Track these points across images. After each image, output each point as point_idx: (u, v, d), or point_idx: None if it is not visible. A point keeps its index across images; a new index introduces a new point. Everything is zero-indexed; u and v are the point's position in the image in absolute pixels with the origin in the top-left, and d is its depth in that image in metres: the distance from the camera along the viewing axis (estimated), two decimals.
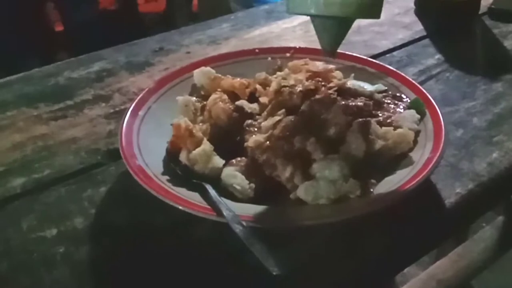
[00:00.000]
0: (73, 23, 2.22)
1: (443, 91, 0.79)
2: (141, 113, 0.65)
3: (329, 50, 0.57)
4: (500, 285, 1.59)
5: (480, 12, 1.00)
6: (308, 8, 0.53)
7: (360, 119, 0.58)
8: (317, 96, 0.61)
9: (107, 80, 0.83)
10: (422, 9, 1.02)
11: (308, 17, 0.58)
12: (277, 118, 0.60)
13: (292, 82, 0.64)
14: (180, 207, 0.52)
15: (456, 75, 0.83)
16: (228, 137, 0.62)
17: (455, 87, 0.80)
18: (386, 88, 0.69)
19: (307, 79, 0.66)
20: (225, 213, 0.50)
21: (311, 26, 0.92)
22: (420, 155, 0.58)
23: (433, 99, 0.66)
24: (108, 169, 0.65)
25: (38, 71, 0.86)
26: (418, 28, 0.97)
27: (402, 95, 0.68)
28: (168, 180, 0.57)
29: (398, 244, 0.55)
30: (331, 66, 0.68)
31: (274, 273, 0.43)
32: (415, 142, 0.61)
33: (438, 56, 0.88)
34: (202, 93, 0.70)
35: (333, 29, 0.55)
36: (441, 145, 0.58)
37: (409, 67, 0.85)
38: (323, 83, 0.65)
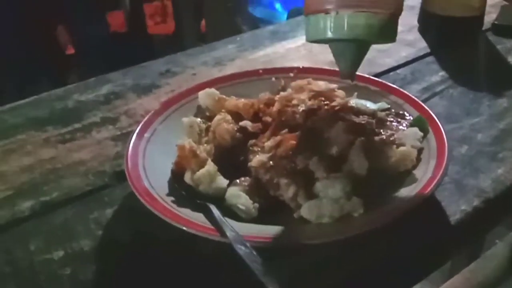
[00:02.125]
0: (84, 45, 2.26)
1: (447, 107, 0.79)
2: (147, 135, 0.66)
3: (348, 74, 0.57)
4: None
5: (483, 28, 1.01)
6: (329, 33, 0.54)
7: (362, 138, 0.58)
8: (319, 115, 0.61)
9: (115, 102, 0.84)
10: (425, 26, 1.02)
11: None
12: (279, 137, 0.61)
13: (295, 102, 0.65)
14: (185, 228, 0.52)
15: (460, 91, 0.83)
16: (232, 157, 0.63)
17: (459, 104, 0.80)
18: (389, 106, 0.70)
19: (309, 99, 0.66)
20: (228, 233, 0.50)
21: (314, 46, 0.94)
22: (424, 173, 0.58)
23: (437, 116, 0.66)
24: (115, 191, 0.66)
25: (47, 95, 0.87)
26: (421, 46, 0.97)
27: (405, 113, 0.68)
28: (172, 201, 0.57)
29: (402, 263, 0.55)
30: (334, 86, 0.69)
31: None
32: (419, 159, 0.61)
33: (442, 73, 0.88)
34: (207, 114, 0.71)
35: (352, 52, 0.56)
36: (445, 162, 0.58)
37: (413, 85, 0.85)
38: (326, 102, 0.65)
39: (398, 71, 0.90)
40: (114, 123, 0.79)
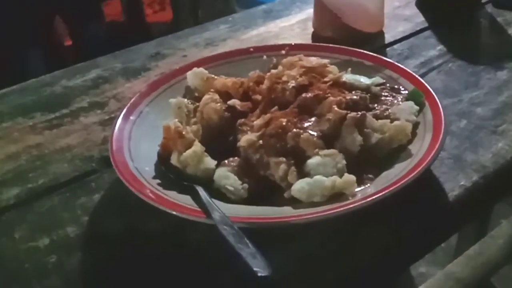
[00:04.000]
0: (81, 36, 2.24)
1: (445, 82, 0.76)
2: (132, 117, 0.64)
3: None
4: None
5: (483, 1, 0.98)
6: None
7: (355, 113, 0.56)
8: (310, 91, 0.59)
9: (103, 87, 0.82)
10: (423, 1, 0.99)
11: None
12: (269, 116, 0.58)
13: (285, 78, 0.63)
14: (169, 211, 0.50)
15: (458, 65, 0.80)
16: (220, 138, 0.61)
17: (457, 78, 0.77)
18: (384, 81, 0.67)
19: (301, 75, 0.64)
20: (214, 215, 0.48)
21: (309, 24, 0.91)
22: (419, 147, 0.56)
23: (435, 91, 0.64)
24: (102, 176, 0.64)
25: (35, 81, 0.85)
26: (419, 20, 0.94)
27: (400, 87, 0.65)
28: (159, 184, 0.55)
29: (401, 239, 0.53)
30: (326, 61, 0.66)
31: (259, 275, 0.41)
32: (414, 134, 0.58)
33: (440, 47, 0.85)
34: (196, 95, 0.69)
35: None
36: (441, 135, 0.55)
37: (410, 60, 0.82)
38: (317, 78, 0.63)
39: (395, 46, 0.87)
40: (102, 107, 0.77)
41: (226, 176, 0.55)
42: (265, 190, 0.56)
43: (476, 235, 1.55)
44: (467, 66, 0.80)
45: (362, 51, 0.73)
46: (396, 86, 0.66)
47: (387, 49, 0.86)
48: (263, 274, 0.41)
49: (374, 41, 0.88)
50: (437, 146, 0.54)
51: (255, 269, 0.42)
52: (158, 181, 0.56)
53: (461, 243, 1.61)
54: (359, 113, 0.56)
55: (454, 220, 0.58)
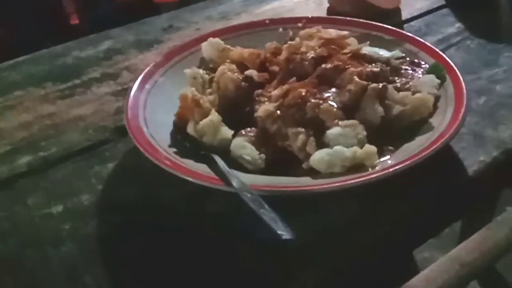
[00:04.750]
0: (89, 15, 2.22)
1: (464, 59, 0.75)
2: (147, 86, 0.63)
3: None
4: None
5: None
6: None
7: (375, 84, 0.55)
8: (330, 62, 0.58)
9: (116, 58, 0.81)
10: None
11: None
12: (287, 86, 0.57)
13: (303, 49, 0.61)
14: (188, 178, 0.49)
15: (477, 43, 0.79)
16: (237, 108, 0.60)
17: (476, 55, 0.76)
18: (403, 54, 0.66)
19: (319, 46, 0.63)
20: (234, 182, 0.48)
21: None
22: (441, 121, 0.55)
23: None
24: (116, 146, 0.63)
25: (47, 52, 0.84)
26: None
27: (420, 61, 0.64)
28: (175, 153, 0.55)
29: (418, 213, 0.53)
30: (345, 33, 0.65)
31: (284, 237, 0.41)
32: (435, 107, 0.57)
33: (458, 24, 0.84)
34: (211, 66, 0.68)
35: None
36: (463, 109, 0.54)
37: (428, 37, 0.81)
38: (336, 50, 0.62)
39: (412, 23, 0.85)
40: (115, 78, 0.76)
41: (243, 146, 0.54)
42: (282, 161, 0.55)
43: (481, 221, 1.54)
44: (486, 44, 0.79)
45: (381, 24, 0.71)
46: (416, 60, 0.65)
47: (404, 25, 0.85)
48: (287, 237, 0.41)
49: (391, 17, 0.86)
50: (459, 120, 0.53)
51: (278, 232, 0.41)
52: (174, 149, 0.55)
53: (465, 229, 1.61)
54: (381, 84, 0.55)
55: (473, 195, 0.57)
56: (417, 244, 0.55)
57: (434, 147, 0.50)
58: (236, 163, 0.54)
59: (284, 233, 0.41)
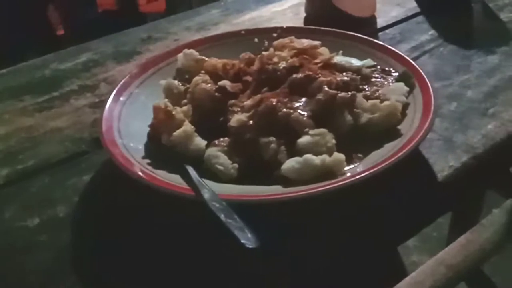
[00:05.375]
0: (74, 25, 2.22)
1: (437, 65, 0.77)
2: (122, 98, 0.64)
3: None
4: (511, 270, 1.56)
5: None
6: None
7: (344, 93, 0.56)
8: (301, 72, 0.59)
9: (94, 70, 0.81)
10: None
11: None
12: (260, 96, 0.58)
13: (276, 59, 0.63)
14: (159, 189, 0.50)
15: (450, 49, 0.81)
16: (211, 118, 0.61)
17: (449, 61, 0.77)
18: (375, 63, 0.67)
19: (292, 57, 0.64)
20: (204, 193, 0.48)
21: (301, 8, 0.91)
22: (409, 128, 0.56)
23: (426, 74, 0.64)
24: (93, 157, 0.64)
25: (25, 64, 0.85)
26: (411, 5, 0.94)
27: (391, 69, 0.65)
28: (149, 164, 0.55)
29: (389, 218, 0.53)
30: (317, 43, 0.66)
31: (248, 246, 0.41)
32: (404, 115, 0.58)
33: (431, 32, 0.86)
34: (187, 77, 0.68)
35: None
36: (431, 114, 0.55)
37: (402, 44, 0.82)
38: (308, 60, 0.63)
39: (387, 31, 0.87)
40: (93, 90, 0.77)
41: (216, 155, 0.55)
42: (255, 170, 0.56)
43: (468, 224, 1.56)
44: (458, 50, 0.80)
45: (353, 33, 0.73)
46: (386, 68, 0.66)
47: (379, 33, 0.86)
48: (250, 246, 0.42)
49: (367, 25, 0.88)
50: (426, 126, 0.54)
51: (243, 241, 0.42)
52: (148, 160, 0.56)
53: (453, 232, 1.62)
54: (349, 93, 0.56)
55: (443, 200, 0.58)
56: (389, 249, 0.56)
57: (401, 153, 0.51)
58: (210, 173, 0.55)
59: (248, 243, 0.42)
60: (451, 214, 1.59)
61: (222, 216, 0.45)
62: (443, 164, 0.58)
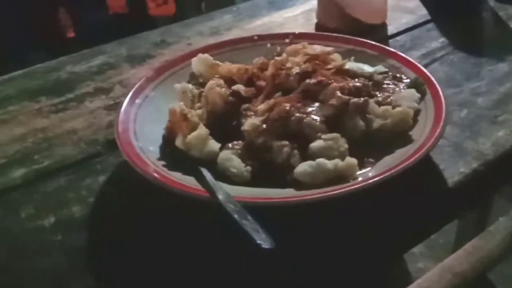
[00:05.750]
0: (84, 28, 2.24)
1: (448, 73, 0.77)
2: (138, 101, 0.65)
3: None
4: None
5: None
6: None
7: (357, 99, 0.57)
8: (314, 77, 0.60)
9: (108, 73, 0.83)
10: None
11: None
12: (273, 101, 0.59)
13: (289, 65, 0.64)
14: (174, 190, 0.51)
15: (461, 57, 0.81)
16: (225, 122, 0.62)
17: (459, 69, 0.78)
18: (386, 69, 0.68)
19: (304, 62, 0.65)
20: (219, 194, 0.49)
21: (313, 15, 0.92)
22: (420, 134, 0.57)
23: (437, 81, 0.64)
24: (107, 159, 0.65)
25: (41, 66, 0.86)
26: (422, 13, 0.95)
27: (402, 76, 0.66)
28: (163, 165, 0.56)
29: (400, 223, 0.54)
30: (330, 49, 0.67)
31: (263, 246, 0.42)
32: (415, 121, 0.59)
33: (442, 39, 0.86)
34: (201, 80, 0.69)
35: None
36: (442, 121, 0.56)
37: (413, 51, 0.83)
38: (321, 65, 0.64)
39: (397, 38, 0.88)
40: (108, 93, 0.78)
41: (230, 158, 0.56)
42: (267, 173, 0.56)
43: (475, 231, 1.56)
44: (469, 57, 0.81)
45: (364, 40, 0.74)
46: (398, 75, 0.67)
47: (390, 40, 0.87)
48: (266, 247, 0.42)
49: (377, 32, 0.89)
50: (437, 132, 0.55)
51: (258, 242, 0.43)
52: (163, 162, 0.57)
53: (459, 239, 1.62)
54: (362, 99, 0.57)
55: (453, 206, 0.59)
56: (397, 255, 0.57)
57: (413, 158, 0.52)
58: (223, 175, 0.56)
59: (264, 243, 0.43)
60: (458, 221, 1.59)
61: (237, 217, 0.46)
62: (454, 171, 0.59)
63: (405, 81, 0.65)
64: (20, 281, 0.51)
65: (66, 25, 2.30)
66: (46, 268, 0.51)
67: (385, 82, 0.65)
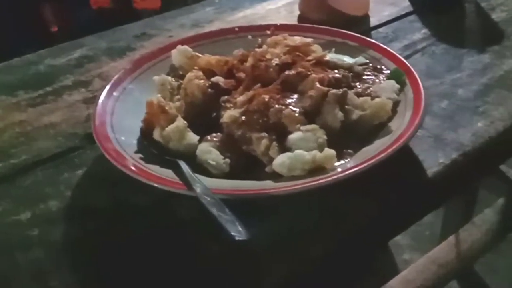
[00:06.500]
0: (68, 22, 2.22)
1: (429, 64, 0.77)
2: (116, 93, 0.64)
3: None
4: (503, 269, 1.58)
5: None
6: None
7: (336, 90, 0.56)
8: (293, 69, 0.59)
9: (88, 66, 0.82)
10: None
11: None
12: (252, 92, 0.59)
13: (269, 56, 0.63)
14: (151, 184, 0.51)
15: (442, 48, 0.81)
16: (204, 114, 0.61)
17: (441, 60, 0.78)
18: (367, 61, 0.68)
19: (285, 54, 0.64)
20: (196, 187, 0.49)
21: (296, 7, 0.91)
22: (399, 125, 0.57)
23: (418, 73, 0.64)
24: (86, 153, 0.64)
25: (19, 60, 0.85)
26: (404, 4, 0.95)
27: (383, 67, 0.66)
28: (141, 158, 0.56)
29: (379, 213, 0.54)
30: (310, 40, 0.67)
31: (237, 239, 0.42)
32: (395, 112, 0.59)
33: (424, 30, 0.86)
34: (180, 72, 0.69)
35: None
36: (421, 112, 0.56)
37: (395, 42, 0.83)
38: (301, 57, 0.63)
39: (380, 29, 0.87)
40: (87, 86, 0.77)
41: (209, 151, 0.55)
42: (246, 165, 0.56)
43: (460, 223, 1.57)
44: (450, 49, 0.81)
45: (345, 31, 0.73)
46: (378, 66, 0.66)
47: (372, 32, 0.87)
48: (240, 238, 0.42)
49: (360, 24, 0.88)
50: (416, 122, 0.55)
51: (232, 233, 0.43)
52: (141, 155, 0.56)
53: (445, 231, 1.63)
54: (341, 90, 0.57)
55: (433, 196, 0.59)
56: (378, 246, 0.57)
57: (391, 149, 0.52)
58: (202, 168, 0.55)
59: (238, 235, 0.42)
60: (443, 213, 1.60)
61: (213, 210, 0.45)
62: (433, 161, 0.59)
63: (385, 72, 0.65)
64: (1, 276, 0.50)
65: (50, 20, 2.28)
66: (24, 262, 0.50)
67: (365, 73, 0.64)
